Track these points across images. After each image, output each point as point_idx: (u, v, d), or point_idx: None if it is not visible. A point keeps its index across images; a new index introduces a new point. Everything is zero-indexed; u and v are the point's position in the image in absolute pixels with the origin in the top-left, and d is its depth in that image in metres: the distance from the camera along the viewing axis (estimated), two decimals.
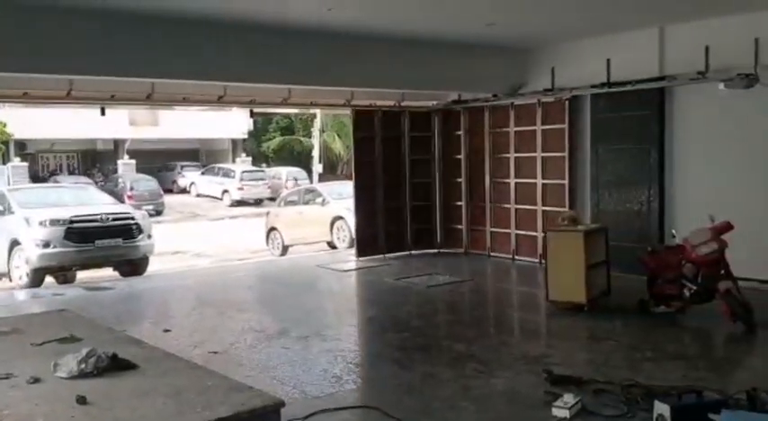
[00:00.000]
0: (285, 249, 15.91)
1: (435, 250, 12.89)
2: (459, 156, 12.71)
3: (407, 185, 12.77)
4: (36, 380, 2.68)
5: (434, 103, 12.92)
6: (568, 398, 4.99)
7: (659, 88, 9.75)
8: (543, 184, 11.38)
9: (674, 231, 8.39)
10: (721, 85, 8.80)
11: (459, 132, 12.66)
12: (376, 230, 12.48)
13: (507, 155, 11.89)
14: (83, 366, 2.73)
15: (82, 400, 2.43)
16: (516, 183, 11.81)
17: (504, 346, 6.91)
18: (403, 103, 12.60)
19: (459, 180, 12.74)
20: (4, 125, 21.15)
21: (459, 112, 12.66)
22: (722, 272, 7.26)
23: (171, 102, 11.08)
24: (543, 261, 11.01)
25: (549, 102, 11.17)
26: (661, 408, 4.53)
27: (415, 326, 7.93)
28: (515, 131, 11.75)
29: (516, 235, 11.84)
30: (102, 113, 10.68)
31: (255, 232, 17.94)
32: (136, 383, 2.64)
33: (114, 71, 8.56)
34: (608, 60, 10.10)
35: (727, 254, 7.25)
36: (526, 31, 10.03)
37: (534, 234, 11.47)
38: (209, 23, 8.65)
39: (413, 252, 12.71)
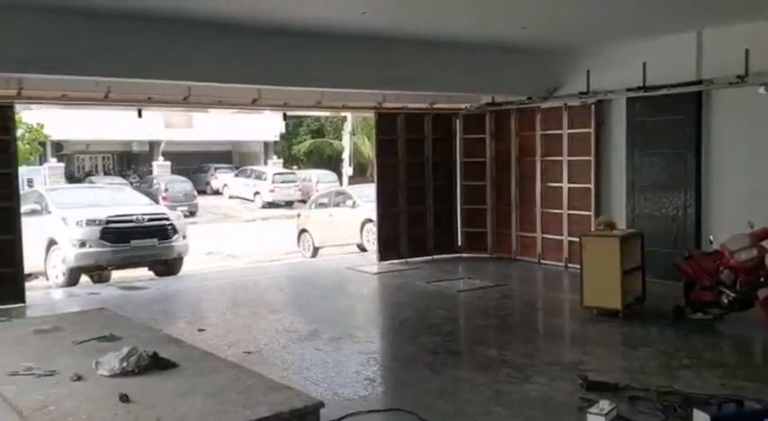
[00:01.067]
0: (316, 251, 15.99)
1: (457, 254, 12.77)
2: (483, 159, 12.66)
3: (430, 188, 12.70)
4: (79, 378, 2.73)
5: (467, 105, 12.87)
6: (604, 405, 4.92)
7: (696, 92, 9.58)
8: (569, 188, 11.33)
9: (711, 237, 8.24)
10: (761, 89, 8.64)
11: (483, 135, 12.63)
12: (398, 234, 12.42)
13: (534, 158, 11.86)
14: (124, 364, 2.77)
15: (125, 398, 2.47)
16: (543, 187, 11.77)
17: (537, 352, 6.85)
18: (435, 106, 12.57)
19: (483, 183, 12.69)
20: (42, 126, 21.58)
21: (484, 115, 12.63)
22: (762, 279, 7.11)
23: (206, 104, 11.21)
24: (568, 265, 11.07)
25: (576, 105, 11.16)
26: (701, 418, 4.44)
27: (447, 330, 7.90)
28: (542, 135, 11.73)
29: (542, 238, 11.79)
30: (140, 115, 10.80)
31: (286, 234, 18.06)
32: (176, 382, 2.67)
33: (151, 74, 8.71)
34: (644, 64, 9.97)
35: (766, 260, 7.09)
36: (561, 33, 9.94)
37: (560, 238, 11.42)
38: (243, 28, 8.76)
39: (435, 256, 12.58)
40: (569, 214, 11.33)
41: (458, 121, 12.86)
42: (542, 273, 11.44)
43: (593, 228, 9.62)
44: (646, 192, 10.29)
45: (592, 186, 10.93)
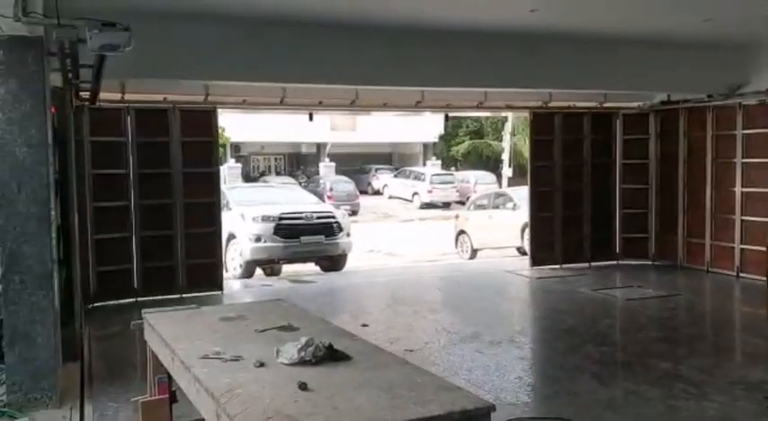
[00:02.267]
0: (474, 253, 15.90)
1: (615, 261, 12.08)
2: (645, 161, 11.97)
3: (588, 191, 12.11)
4: (261, 365, 2.89)
5: (641, 104, 12.20)
6: None
7: None
8: (743, 192, 10.55)
9: None
10: None
11: (647, 136, 11.97)
12: (552, 238, 11.98)
13: (704, 159, 11.11)
14: (302, 354, 2.89)
15: (303, 387, 2.57)
16: (714, 190, 11.00)
17: (718, 368, 6.34)
18: (605, 105, 12.03)
19: (646, 186, 11.99)
20: (224, 129, 23.32)
21: (647, 115, 11.96)
22: None
23: (372, 107, 11.53)
24: (740, 274, 10.23)
25: (751, 104, 10.40)
26: None
27: (616, 340, 7.55)
28: (714, 135, 10.97)
29: (712, 245, 11.01)
30: (311, 119, 11.32)
31: (444, 235, 18.13)
32: (350, 374, 2.75)
33: (323, 79, 9.11)
34: None
35: None
36: (749, 25, 9.13)
37: (731, 245, 10.64)
38: (404, 31, 8.88)
39: (592, 263, 11.96)
40: (743, 220, 10.47)
41: (618, 121, 12.16)
42: (712, 282, 10.62)
43: None
44: None
45: None
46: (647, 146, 12.00)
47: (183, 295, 9.45)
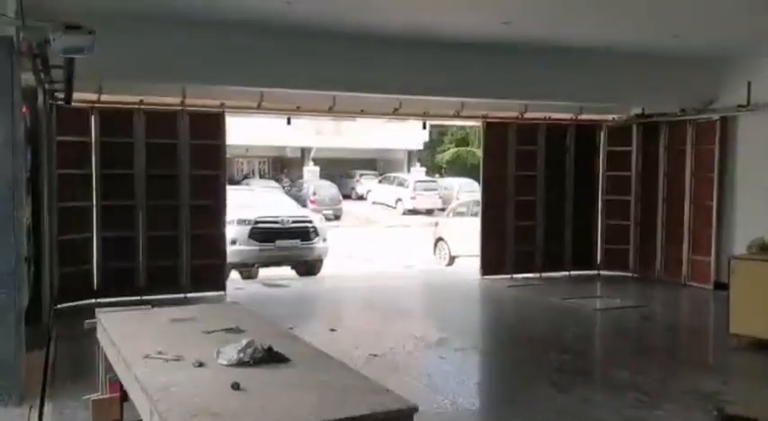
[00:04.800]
0: (452, 260, 15.99)
1: (595, 271, 12.25)
2: (628, 173, 12.14)
3: (570, 201, 12.24)
4: (201, 365, 2.96)
5: (614, 117, 12.39)
6: None
7: None
8: (718, 208, 10.80)
9: None
10: None
11: (630, 148, 12.16)
12: (533, 248, 12.04)
13: (683, 174, 11.34)
14: (241, 355, 2.97)
15: (236, 386, 2.65)
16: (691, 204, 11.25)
17: (672, 378, 6.46)
18: (580, 117, 12.20)
19: (628, 198, 12.16)
20: None
21: (630, 128, 12.16)
22: None
23: (350, 113, 11.60)
24: (716, 289, 10.37)
25: (702, 122, 10.93)
26: None
27: (578, 349, 7.66)
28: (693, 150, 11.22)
29: (689, 259, 11.17)
30: (288, 123, 11.40)
31: (425, 241, 18.21)
32: (285, 376, 2.83)
33: (300, 84, 9.24)
34: None
35: None
36: (717, 41, 9.33)
37: (708, 259, 10.82)
38: (382, 40, 9.07)
39: (572, 272, 12.12)
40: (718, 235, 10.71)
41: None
42: (687, 295, 10.76)
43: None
44: None
45: (714, 204, 10.72)
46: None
47: (187, 295, 9.57)
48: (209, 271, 10.11)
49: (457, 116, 11.92)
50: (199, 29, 8.34)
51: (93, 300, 9.10)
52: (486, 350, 7.51)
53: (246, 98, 10.18)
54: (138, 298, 8.99)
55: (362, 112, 11.40)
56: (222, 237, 10.31)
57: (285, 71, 8.97)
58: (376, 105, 11.16)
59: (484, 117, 11.80)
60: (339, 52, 9.08)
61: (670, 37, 8.87)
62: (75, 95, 8.45)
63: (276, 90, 9.71)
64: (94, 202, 9.48)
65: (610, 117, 12.38)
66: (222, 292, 10.08)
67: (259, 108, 10.43)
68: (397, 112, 11.21)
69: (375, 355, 7.00)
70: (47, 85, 7.45)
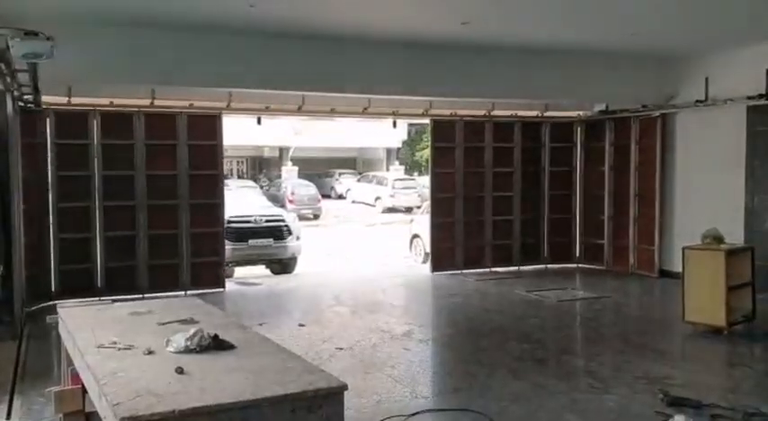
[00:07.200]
0: (427, 256, 16.15)
1: (574, 265, 12.64)
2: (602, 169, 12.46)
3: (545, 196, 12.63)
4: (150, 353, 3.14)
5: (579, 113, 12.69)
6: (679, 419, 4.82)
7: None
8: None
9: None
10: None
11: (603, 143, 12.47)
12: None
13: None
14: (188, 343, 3.15)
15: (179, 371, 2.84)
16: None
17: (625, 364, 6.72)
18: (546, 114, 12.49)
19: (601, 192, 12.49)
20: None
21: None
22: None
23: (320, 113, 11.77)
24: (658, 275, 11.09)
25: (645, 117, 11.51)
26: None
27: (538, 338, 7.90)
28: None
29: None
30: (258, 123, 11.58)
31: (402, 239, 18.41)
32: (228, 361, 3.01)
33: (266, 84, 9.43)
34: (767, 70, 9.44)
35: None
36: (674, 39, 9.62)
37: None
38: (348, 40, 9.30)
39: (549, 266, 12.56)
40: (661, 224, 11.41)
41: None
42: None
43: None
44: (766, 205, 9.73)
45: (656, 196, 11.39)
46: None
47: (187, 292, 9.64)
48: (208, 269, 10.36)
49: (426, 114, 12.14)
50: (165, 31, 8.51)
51: (97, 299, 9.26)
52: (448, 341, 7.72)
53: (216, 99, 10.33)
54: (141, 296, 9.18)
55: (332, 111, 11.57)
56: (221, 234, 10.60)
57: (251, 71, 9.17)
58: (345, 104, 11.36)
59: (430, 115, 11.99)
60: (302, 52, 9.29)
61: (628, 35, 9.14)
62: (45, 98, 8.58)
63: (243, 90, 9.88)
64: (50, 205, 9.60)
65: (575, 114, 12.68)
66: (221, 290, 10.30)
67: (228, 108, 10.58)
68: (366, 111, 11.41)
69: (341, 348, 7.20)
70: (15, 91, 7.56)
